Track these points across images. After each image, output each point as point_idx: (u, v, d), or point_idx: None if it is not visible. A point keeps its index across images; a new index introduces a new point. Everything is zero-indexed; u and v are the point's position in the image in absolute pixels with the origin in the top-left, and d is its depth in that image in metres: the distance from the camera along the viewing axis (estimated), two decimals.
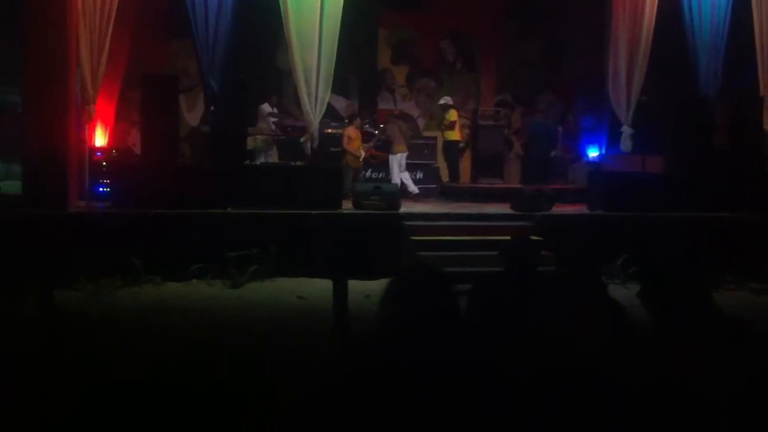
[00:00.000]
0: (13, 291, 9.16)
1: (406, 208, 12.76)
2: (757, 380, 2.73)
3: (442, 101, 16.64)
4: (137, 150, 13.79)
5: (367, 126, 16.05)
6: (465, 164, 17.46)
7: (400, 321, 2.60)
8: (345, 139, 15.03)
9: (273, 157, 15.21)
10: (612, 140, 15.56)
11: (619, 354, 2.97)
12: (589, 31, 16.10)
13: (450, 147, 16.73)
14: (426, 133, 17.88)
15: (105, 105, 13.38)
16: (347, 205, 12.46)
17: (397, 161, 15.57)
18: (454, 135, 16.62)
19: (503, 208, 12.83)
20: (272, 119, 15.25)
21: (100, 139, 13.53)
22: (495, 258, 5.11)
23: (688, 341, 2.79)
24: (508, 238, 5.08)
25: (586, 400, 2.69)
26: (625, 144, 14.50)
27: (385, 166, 16.08)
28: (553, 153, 16.58)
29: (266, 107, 15.25)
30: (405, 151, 15.74)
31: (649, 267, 3.08)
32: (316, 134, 13.10)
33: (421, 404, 2.42)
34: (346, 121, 15.75)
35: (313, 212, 11.48)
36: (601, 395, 2.72)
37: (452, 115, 16.48)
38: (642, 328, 3.03)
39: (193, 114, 16.52)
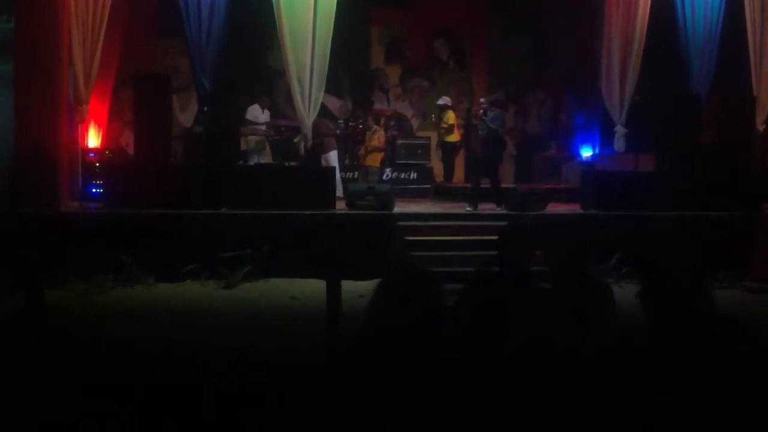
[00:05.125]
0: (4, 289, 9.14)
1: (399, 208, 12.75)
2: (754, 382, 2.73)
3: (441, 101, 16.57)
4: (130, 150, 13.76)
5: (360, 126, 16.10)
6: (458, 164, 17.45)
7: (386, 322, 2.60)
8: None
9: (266, 158, 15.16)
10: (605, 139, 15.55)
11: (610, 353, 2.97)
12: (579, 27, 16.10)
13: (448, 148, 16.73)
14: (419, 133, 17.89)
15: (98, 105, 13.33)
16: (341, 206, 12.46)
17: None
18: (453, 137, 16.61)
19: (497, 208, 12.84)
20: (260, 124, 15.04)
21: (93, 139, 13.47)
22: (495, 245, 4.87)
23: (684, 341, 2.78)
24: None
25: (574, 399, 2.68)
26: (619, 144, 14.50)
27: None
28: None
29: (254, 110, 15.01)
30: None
31: (648, 267, 3.07)
32: (309, 134, 13.07)
33: (411, 404, 2.41)
34: (360, 122, 15.81)
35: (307, 213, 11.47)
36: (589, 394, 2.71)
37: (450, 117, 16.45)
38: (637, 326, 3.03)
39: (186, 114, 16.46)
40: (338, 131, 15.94)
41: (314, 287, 9.92)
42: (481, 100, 15.03)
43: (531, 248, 4.55)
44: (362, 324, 2.64)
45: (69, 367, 6.26)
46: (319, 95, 12.80)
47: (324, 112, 14.93)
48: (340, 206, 12.44)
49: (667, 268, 2.95)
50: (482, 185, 13.37)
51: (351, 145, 16.34)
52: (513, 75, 18.57)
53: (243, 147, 14.38)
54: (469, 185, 16.42)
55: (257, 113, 14.98)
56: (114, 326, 8.67)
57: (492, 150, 13.52)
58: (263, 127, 15.04)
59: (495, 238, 4.27)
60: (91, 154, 13.08)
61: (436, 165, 16.97)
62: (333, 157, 14.85)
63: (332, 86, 15.22)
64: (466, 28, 18.40)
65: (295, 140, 13.47)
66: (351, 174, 15.68)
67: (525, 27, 18.36)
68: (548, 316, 3.44)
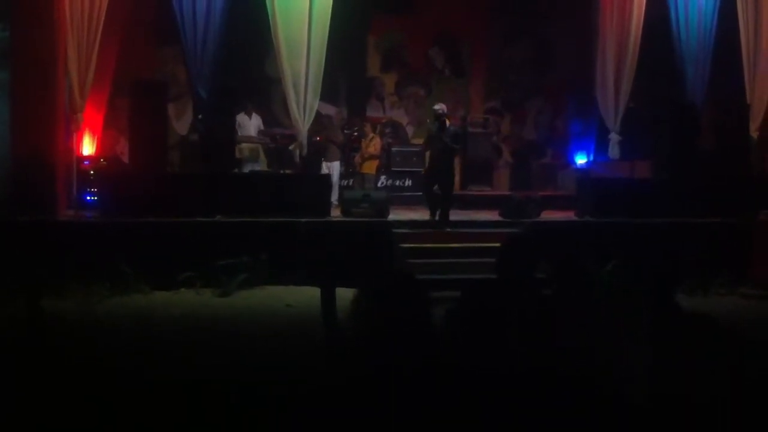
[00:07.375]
0: (2, 297, 9.12)
1: (394, 215, 12.75)
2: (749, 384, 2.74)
3: (437, 108, 16.54)
4: (125, 158, 13.74)
5: (356, 134, 16.12)
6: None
7: (366, 327, 2.59)
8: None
9: (261, 166, 15.11)
10: (600, 147, 15.59)
11: (607, 357, 2.98)
12: (578, 33, 16.13)
13: None
14: (415, 141, 17.88)
15: (93, 113, 13.33)
16: (336, 213, 12.46)
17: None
18: None
19: (492, 215, 12.84)
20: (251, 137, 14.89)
21: (88, 147, 13.46)
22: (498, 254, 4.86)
23: (673, 343, 2.80)
24: (497, 244, 4.99)
25: (569, 405, 2.68)
26: (613, 151, 14.54)
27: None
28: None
29: (240, 117, 14.64)
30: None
31: (642, 272, 3.12)
32: (304, 142, 13.09)
33: (397, 408, 2.41)
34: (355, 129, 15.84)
35: (302, 220, 11.47)
36: (588, 399, 2.72)
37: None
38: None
39: (181, 123, 16.45)
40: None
41: (310, 294, 9.91)
42: (436, 106, 13.23)
43: (535, 257, 4.56)
44: (344, 329, 2.64)
45: (67, 374, 6.25)
46: (314, 103, 12.83)
47: (319, 119, 14.94)
48: (336, 213, 12.45)
49: (654, 274, 2.97)
50: (477, 193, 13.34)
51: (347, 152, 16.34)
52: (512, 82, 18.56)
53: (237, 155, 14.33)
54: (466, 192, 16.48)
55: (242, 121, 14.78)
56: (112, 334, 8.65)
57: (444, 164, 12.47)
58: (256, 136, 15.00)
59: (490, 245, 4.30)
60: (86, 162, 13.06)
61: None
62: (336, 166, 14.82)
63: (328, 94, 15.22)
64: (466, 35, 18.37)
65: (290, 148, 13.46)
66: (347, 181, 15.69)
67: (525, 32, 18.36)
68: (548, 322, 3.45)
